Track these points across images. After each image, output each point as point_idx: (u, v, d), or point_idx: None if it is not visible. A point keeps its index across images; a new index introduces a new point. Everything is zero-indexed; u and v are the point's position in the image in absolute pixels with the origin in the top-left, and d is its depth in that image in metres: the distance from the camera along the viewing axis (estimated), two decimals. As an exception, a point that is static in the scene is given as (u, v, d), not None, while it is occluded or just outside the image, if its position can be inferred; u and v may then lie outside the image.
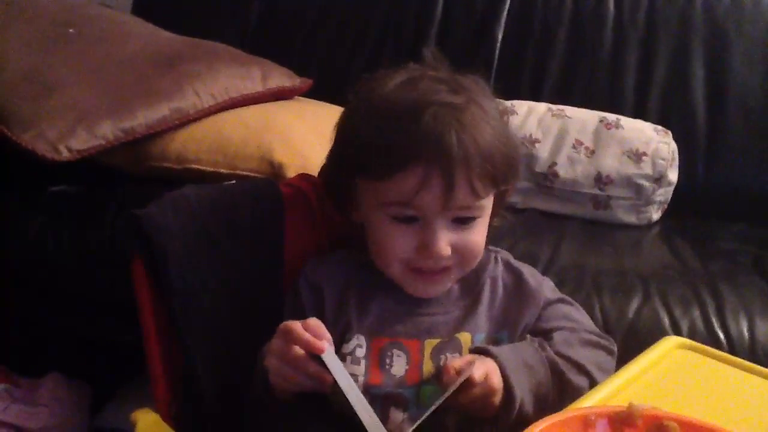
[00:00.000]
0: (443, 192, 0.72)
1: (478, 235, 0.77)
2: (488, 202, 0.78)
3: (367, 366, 0.77)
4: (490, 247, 0.84)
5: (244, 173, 1.27)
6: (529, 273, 0.85)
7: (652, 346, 0.76)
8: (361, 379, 0.75)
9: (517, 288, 0.82)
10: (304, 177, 0.90)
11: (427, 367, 0.76)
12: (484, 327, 0.79)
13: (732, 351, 0.98)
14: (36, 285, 1.29)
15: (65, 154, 1.18)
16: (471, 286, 0.82)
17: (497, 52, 1.71)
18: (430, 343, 0.78)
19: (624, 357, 0.74)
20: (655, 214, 1.47)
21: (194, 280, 0.79)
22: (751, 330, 1.00)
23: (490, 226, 0.81)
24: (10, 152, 1.23)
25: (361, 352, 0.77)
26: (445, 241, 0.75)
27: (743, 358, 0.84)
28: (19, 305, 1.32)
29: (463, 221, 0.76)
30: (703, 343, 0.78)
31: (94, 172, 1.33)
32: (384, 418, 0.72)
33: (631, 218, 1.46)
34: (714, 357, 0.75)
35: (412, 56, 1.75)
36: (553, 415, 0.55)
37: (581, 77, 1.65)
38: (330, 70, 1.74)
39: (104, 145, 1.23)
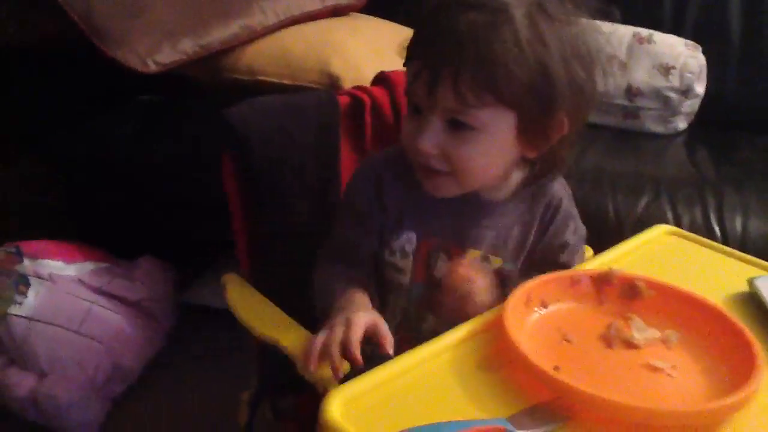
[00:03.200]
0: (429, 88, 0.72)
1: (473, 149, 0.75)
2: (493, 118, 0.73)
3: (414, 262, 0.82)
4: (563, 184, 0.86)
5: (305, 84, 1.42)
6: (558, 227, 0.84)
7: (644, 231, 0.91)
8: (408, 275, 0.82)
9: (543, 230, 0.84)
10: (362, 88, 1.04)
11: (462, 275, 0.81)
12: (513, 257, 0.83)
13: (725, 243, 1.10)
14: (130, 182, 1.49)
15: (153, 67, 1.35)
16: (527, 214, 0.83)
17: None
18: (473, 254, 0.81)
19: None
20: (682, 124, 1.58)
21: (272, 166, 0.93)
22: (744, 226, 1.14)
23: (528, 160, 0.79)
24: (100, 63, 1.41)
25: (410, 248, 0.82)
26: (430, 137, 0.74)
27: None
28: (116, 199, 1.53)
29: (457, 126, 0.74)
30: (699, 235, 0.93)
31: (173, 81, 1.51)
32: (419, 320, 0.82)
33: (659, 128, 1.58)
34: (695, 241, 0.90)
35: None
36: (545, 274, 0.72)
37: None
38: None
39: (185, 59, 1.39)
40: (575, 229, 0.86)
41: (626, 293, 0.73)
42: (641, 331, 0.68)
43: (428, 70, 0.72)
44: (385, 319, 0.73)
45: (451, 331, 0.67)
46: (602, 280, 0.73)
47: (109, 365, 1.32)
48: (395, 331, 0.73)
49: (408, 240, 0.83)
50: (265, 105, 0.97)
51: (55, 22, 1.53)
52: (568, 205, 0.86)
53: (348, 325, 0.70)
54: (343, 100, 1.01)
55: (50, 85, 1.58)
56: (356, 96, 1.01)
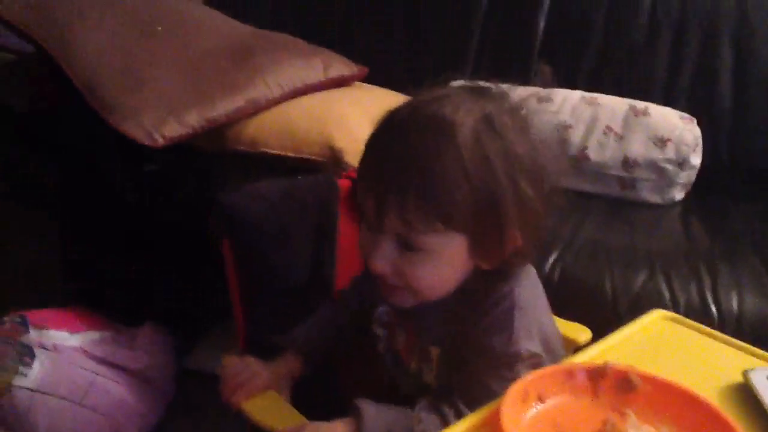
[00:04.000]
0: (376, 213, 0.74)
1: (424, 268, 0.76)
2: (442, 241, 0.74)
3: (394, 333, 0.90)
4: (513, 276, 0.81)
5: (308, 157, 1.46)
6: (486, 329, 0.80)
7: (640, 317, 0.93)
8: (383, 344, 0.90)
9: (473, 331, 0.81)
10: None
11: (414, 360, 0.88)
12: (446, 343, 0.84)
13: (721, 323, 1.14)
14: (133, 248, 1.51)
15: (160, 141, 1.39)
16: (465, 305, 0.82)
17: (539, 40, 1.84)
18: (420, 342, 0.87)
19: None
20: (678, 195, 1.61)
21: (267, 251, 0.98)
22: (739, 305, 1.15)
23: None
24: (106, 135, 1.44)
25: (387, 318, 0.90)
26: (381, 257, 0.75)
27: (731, 330, 1.00)
28: (118, 266, 1.55)
29: (408, 247, 0.75)
30: (696, 316, 0.95)
31: (177, 151, 1.54)
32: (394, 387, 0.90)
33: (655, 198, 1.60)
34: (691, 328, 0.91)
35: (460, 42, 1.90)
36: (541, 369, 0.73)
37: (615, 66, 1.78)
38: (382, 57, 1.91)
39: (191, 132, 1.43)
40: (508, 341, 0.79)
41: (622, 387, 0.74)
42: (636, 429, 0.69)
43: (374, 196, 0.73)
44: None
45: (447, 429, 0.68)
46: (597, 374, 0.75)
47: (109, 437, 1.32)
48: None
49: (386, 312, 0.89)
50: (262, 192, 1.00)
51: (65, 91, 1.58)
52: (515, 317, 0.80)
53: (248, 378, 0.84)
54: (344, 183, 1.04)
55: (58, 150, 1.61)
56: (355, 179, 1.04)
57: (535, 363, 0.81)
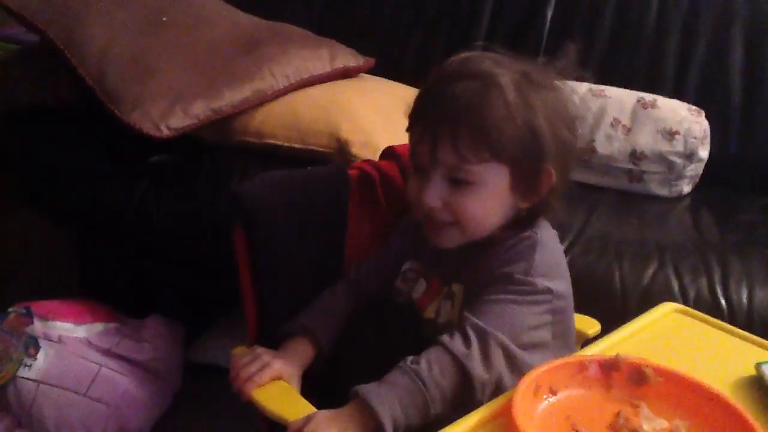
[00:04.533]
0: (429, 150, 0.83)
1: (472, 201, 0.84)
2: (489, 172, 0.83)
3: (414, 283, 0.95)
4: (536, 228, 0.88)
5: (314, 148, 1.45)
6: (506, 259, 0.86)
7: (650, 310, 0.92)
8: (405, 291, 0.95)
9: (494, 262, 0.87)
10: (370, 162, 1.07)
11: (431, 307, 0.92)
12: (469, 281, 0.89)
13: (731, 316, 1.13)
14: (140, 242, 1.51)
15: (165, 132, 1.38)
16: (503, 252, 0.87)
17: (546, 32, 1.83)
18: (445, 289, 0.92)
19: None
20: (686, 187, 1.60)
21: (280, 240, 0.97)
22: (749, 298, 1.14)
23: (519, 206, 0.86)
24: (112, 126, 1.44)
25: (411, 274, 0.96)
26: (433, 193, 0.84)
27: (741, 323, 0.99)
28: (126, 259, 1.55)
29: (457, 182, 0.83)
30: (706, 308, 0.94)
31: (184, 142, 1.53)
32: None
33: (663, 191, 1.59)
34: (702, 321, 0.90)
35: (467, 34, 1.90)
36: (554, 360, 0.73)
37: (624, 58, 1.77)
38: (389, 49, 1.90)
39: (197, 123, 1.42)
40: (526, 271, 0.84)
41: (634, 379, 0.74)
42: (649, 421, 0.68)
43: (429, 133, 0.83)
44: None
45: (459, 421, 0.68)
46: (610, 366, 0.74)
47: (116, 428, 1.32)
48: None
49: (411, 267, 0.96)
50: (276, 181, 1.00)
51: (69, 86, 1.58)
52: (537, 251, 0.86)
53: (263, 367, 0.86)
54: (353, 173, 1.03)
55: (62, 146, 1.61)
56: (365, 170, 1.03)
57: (554, 304, 0.86)
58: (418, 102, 0.87)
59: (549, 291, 0.85)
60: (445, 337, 0.80)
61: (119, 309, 1.52)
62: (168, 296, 1.57)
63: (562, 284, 0.89)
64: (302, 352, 0.92)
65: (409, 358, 0.79)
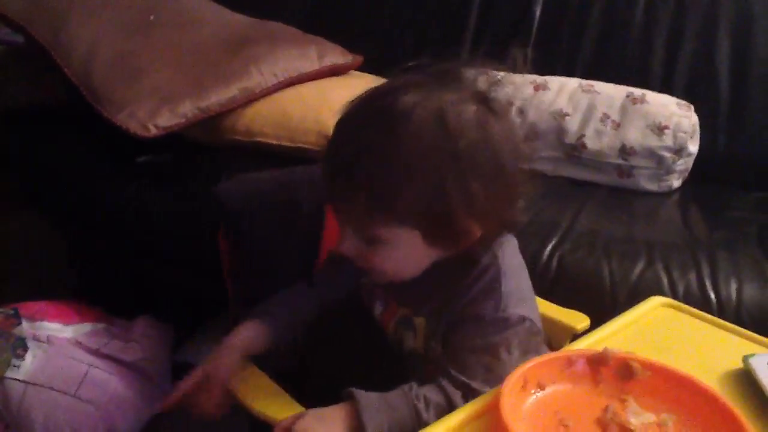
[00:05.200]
0: (335, 203, 0.78)
1: (385, 259, 0.79)
2: (396, 235, 0.77)
3: (371, 299, 0.92)
4: (494, 248, 0.83)
5: (304, 146, 1.45)
6: (473, 298, 0.82)
7: (638, 304, 0.92)
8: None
9: (460, 301, 0.83)
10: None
11: (391, 328, 0.90)
12: (430, 313, 0.86)
13: (721, 311, 1.12)
14: (137, 241, 1.50)
15: (153, 131, 1.38)
16: (451, 278, 0.83)
17: (535, 29, 1.83)
18: (401, 311, 0.89)
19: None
20: (676, 182, 1.60)
21: (258, 239, 0.98)
22: (739, 293, 1.14)
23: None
24: (100, 126, 1.43)
25: (370, 284, 0.92)
26: (347, 245, 0.79)
27: (730, 318, 0.99)
28: (122, 258, 1.54)
29: (365, 238, 0.78)
30: (695, 304, 0.93)
31: (173, 142, 1.53)
32: None
33: (652, 186, 1.59)
34: (691, 314, 0.90)
35: (456, 30, 1.90)
36: (540, 356, 0.73)
37: (613, 53, 1.77)
38: (378, 46, 1.89)
39: (184, 122, 1.42)
40: (496, 308, 0.80)
41: (622, 374, 0.73)
42: (637, 415, 0.68)
43: (330, 195, 0.77)
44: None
45: (445, 417, 0.68)
46: (598, 361, 0.74)
47: (104, 429, 1.31)
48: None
49: (367, 281, 0.92)
50: (256, 181, 1.00)
51: (59, 86, 1.57)
52: (502, 283, 0.82)
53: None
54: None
55: (60, 146, 1.60)
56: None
57: (528, 328, 0.82)
58: (328, 144, 0.78)
59: (523, 320, 0.81)
60: (445, 382, 0.78)
61: (115, 309, 1.52)
62: (164, 296, 1.55)
63: (531, 303, 0.87)
64: (244, 337, 0.86)
65: (414, 387, 0.77)
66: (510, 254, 0.85)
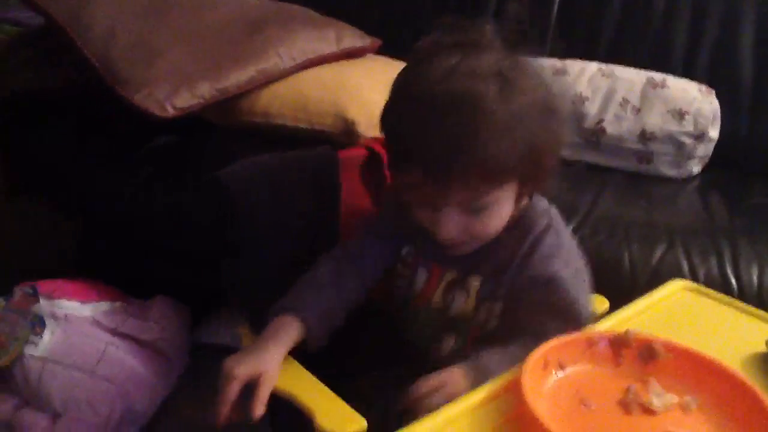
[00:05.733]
0: (439, 193, 0.79)
1: (489, 222, 0.83)
2: (501, 193, 0.81)
3: (413, 270, 0.93)
4: (547, 209, 0.90)
5: (321, 128, 1.44)
6: (543, 258, 0.87)
7: (660, 287, 0.91)
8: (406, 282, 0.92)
9: (526, 261, 0.88)
10: (379, 140, 1.06)
11: (437, 295, 0.90)
12: (488, 273, 0.89)
13: (742, 296, 1.11)
14: (142, 230, 1.50)
15: (171, 112, 1.37)
16: (508, 238, 0.88)
17: (555, 13, 1.81)
18: (449, 275, 0.90)
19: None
20: (696, 168, 1.59)
21: (263, 224, 0.97)
22: (760, 278, 1.13)
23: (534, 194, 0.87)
24: (113, 111, 1.43)
25: (409, 257, 0.93)
26: (450, 227, 0.81)
27: (751, 303, 0.97)
28: (128, 247, 1.54)
29: (472, 210, 0.81)
30: (716, 288, 0.92)
31: (190, 124, 1.53)
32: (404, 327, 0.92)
33: (672, 172, 1.58)
34: (713, 298, 0.90)
35: (474, 15, 1.88)
36: (562, 336, 0.72)
37: (634, 37, 1.75)
38: (396, 29, 1.88)
39: (202, 103, 1.41)
40: (567, 262, 0.87)
41: (644, 355, 0.73)
42: (659, 397, 0.68)
43: (432, 177, 0.78)
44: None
45: (467, 395, 0.67)
46: (620, 342, 0.73)
47: (122, 407, 1.32)
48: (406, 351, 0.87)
49: (409, 252, 0.94)
50: (261, 164, 0.99)
51: (71, 69, 1.57)
52: (554, 237, 0.88)
53: (228, 379, 0.77)
54: (360, 152, 1.02)
55: (61, 133, 1.60)
56: (373, 149, 1.02)
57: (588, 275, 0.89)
58: (404, 140, 0.80)
59: (585, 269, 0.89)
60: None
61: (124, 291, 1.52)
62: (173, 279, 1.56)
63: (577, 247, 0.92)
64: (285, 335, 0.84)
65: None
66: (558, 217, 0.91)
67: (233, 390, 0.77)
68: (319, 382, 0.81)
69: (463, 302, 0.89)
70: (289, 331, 0.83)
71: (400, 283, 0.95)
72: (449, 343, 0.91)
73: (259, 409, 0.75)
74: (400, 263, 0.95)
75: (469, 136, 0.76)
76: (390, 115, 0.83)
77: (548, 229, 0.88)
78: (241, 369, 0.77)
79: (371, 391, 0.88)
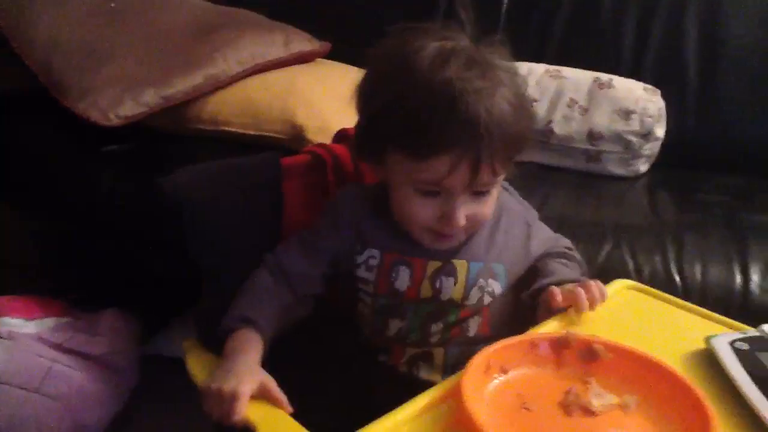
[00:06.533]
0: (470, 176, 0.79)
1: (490, 203, 0.85)
2: (499, 179, 0.84)
3: (377, 275, 0.89)
4: (524, 203, 0.97)
5: (270, 134, 1.43)
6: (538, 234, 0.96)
7: (605, 285, 0.92)
8: (371, 287, 0.89)
9: (525, 243, 0.94)
10: (324, 146, 1.05)
11: (425, 286, 0.88)
12: (481, 257, 0.90)
13: (686, 292, 1.13)
14: (96, 231, 1.47)
15: (114, 121, 1.35)
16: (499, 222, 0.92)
17: (503, 12, 1.83)
18: (433, 265, 0.88)
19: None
20: (643, 167, 1.61)
21: (206, 231, 0.95)
22: (703, 275, 1.15)
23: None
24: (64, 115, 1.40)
25: (374, 262, 0.89)
26: (463, 213, 0.82)
27: (695, 299, 0.99)
28: (89, 248, 1.51)
29: (480, 194, 0.83)
30: (661, 286, 0.94)
31: (137, 132, 1.50)
32: (383, 326, 0.89)
33: (620, 170, 1.60)
34: (655, 296, 0.91)
35: (424, 17, 1.88)
36: (505, 339, 0.72)
37: (583, 39, 1.77)
38: (346, 33, 1.87)
39: (147, 111, 1.39)
40: (558, 238, 0.99)
41: (585, 356, 0.73)
42: (599, 397, 0.68)
43: (468, 160, 0.78)
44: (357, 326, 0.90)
45: (407, 403, 0.67)
46: (560, 344, 0.74)
47: (70, 424, 1.29)
48: (366, 339, 0.89)
49: (371, 256, 0.90)
50: (202, 172, 0.97)
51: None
52: (536, 216, 0.98)
53: (236, 398, 0.72)
54: (304, 158, 1.01)
55: (24, 135, 1.56)
56: (317, 154, 1.01)
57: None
58: (429, 131, 0.78)
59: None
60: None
61: (81, 300, 1.49)
62: (126, 288, 1.53)
63: None
64: (255, 347, 0.81)
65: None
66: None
67: (243, 407, 0.72)
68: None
69: (452, 286, 0.88)
70: (254, 346, 0.81)
71: (360, 284, 0.91)
72: (437, 328, 0.90)
73: (289, 406, 0.74)
74: (362, 268, 0.90)
75: (495, 116, 0.78)
76: (396, 113, 0.79)
77: (527, 211, 0.97)
78: (245, 387, 0.73)
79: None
